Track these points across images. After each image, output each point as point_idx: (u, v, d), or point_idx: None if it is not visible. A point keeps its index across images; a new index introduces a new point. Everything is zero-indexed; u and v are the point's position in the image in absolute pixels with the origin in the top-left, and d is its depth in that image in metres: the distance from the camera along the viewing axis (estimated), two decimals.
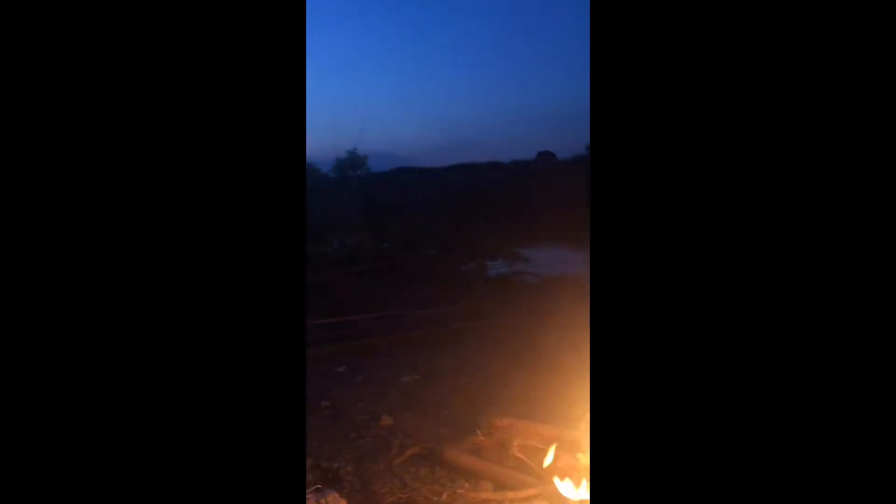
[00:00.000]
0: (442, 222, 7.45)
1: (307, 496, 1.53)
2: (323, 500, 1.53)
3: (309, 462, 2.14)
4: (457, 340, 3.73)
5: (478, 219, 7.77)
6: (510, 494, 1.73)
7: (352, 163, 7.74)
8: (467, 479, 1.90)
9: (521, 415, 2.17)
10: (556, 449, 1.76)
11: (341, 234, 6.20)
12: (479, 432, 2.09)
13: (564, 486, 1.62)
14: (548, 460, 1.76)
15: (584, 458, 1.62)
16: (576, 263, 5.10)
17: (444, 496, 1.80)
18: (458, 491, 1.82)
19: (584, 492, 1.60)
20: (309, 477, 2.04)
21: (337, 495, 1.59)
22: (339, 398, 2.83)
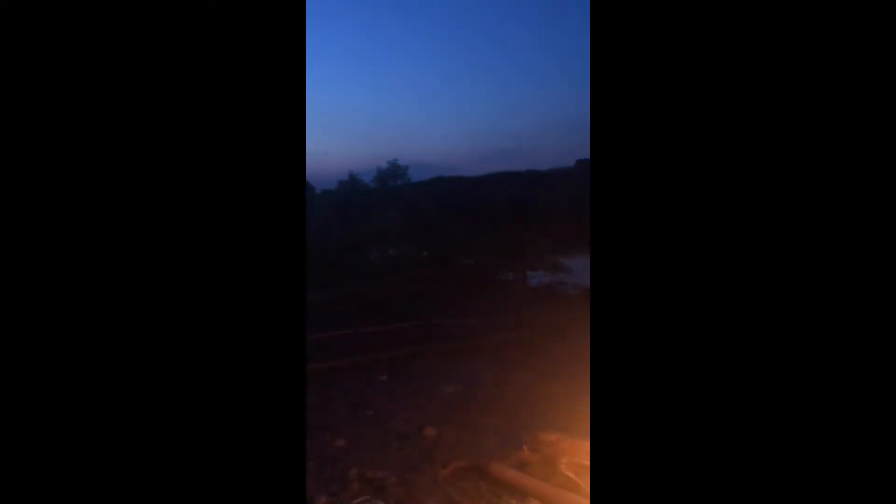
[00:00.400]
0: (481, 231, 7.42)
1: None
2: None
3: (353, 471, 2.16)
4: (498, 351, 3.68)
5: (517, 228, 7.71)
6: None
7: (393, 173, 7.86)
8: (513, 496, 1.86)
9: (565, 429, 2.11)
10: None
11: (383, 244, 6.28)
12: (524, 448, 2.05)
13: None
14: None
15: None
16: None
17: None
18: None
19: None
20: (354, 486, 2.06)
21: None
22: (381, 407, 2.85)
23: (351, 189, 7.62)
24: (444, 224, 7.78)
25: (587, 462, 1.87)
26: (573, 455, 1.93)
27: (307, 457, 2.32)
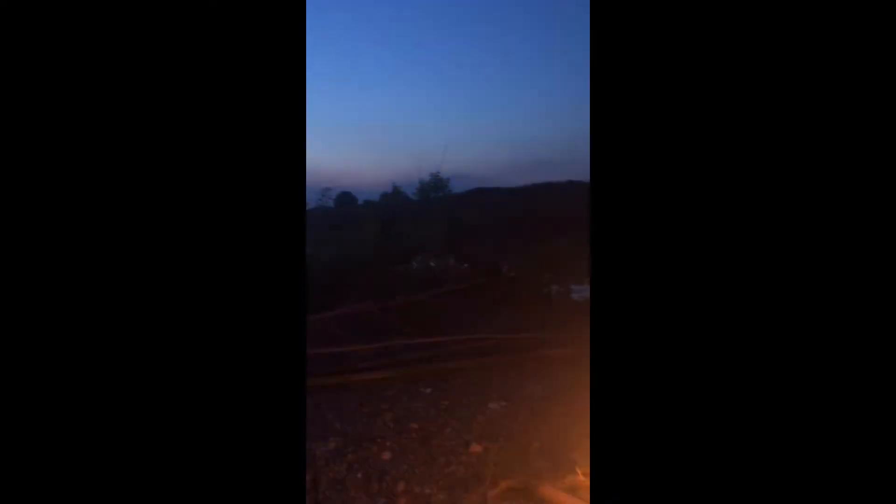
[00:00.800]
0: (523, 244, 7.35)
1: None
2: None
3: (400, 486, 2.15)
4: (544, 367, 3.61)
5: (559, 239, 7.58)
6: None
7: (434, 185, 7.93)
8: None
9: None
10: None
11: (424, 256, 6.32)
12: (578, 470, 1.98)
13: None
14: None
15: None
16: None
17: None
18: None
19: None
20: (401, 501, 2.04)
21: None
22: (426, 420, 2.83)
23: (393, 202, 7.73)
24: (485, 236, 7.75)
25: None
26: None
27: (354, 468, 2.32)
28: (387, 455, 2.42)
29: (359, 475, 2.25)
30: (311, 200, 7.62)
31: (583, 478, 1.95)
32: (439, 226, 6.61)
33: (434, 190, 7.69)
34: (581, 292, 5.93)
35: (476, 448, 2.46)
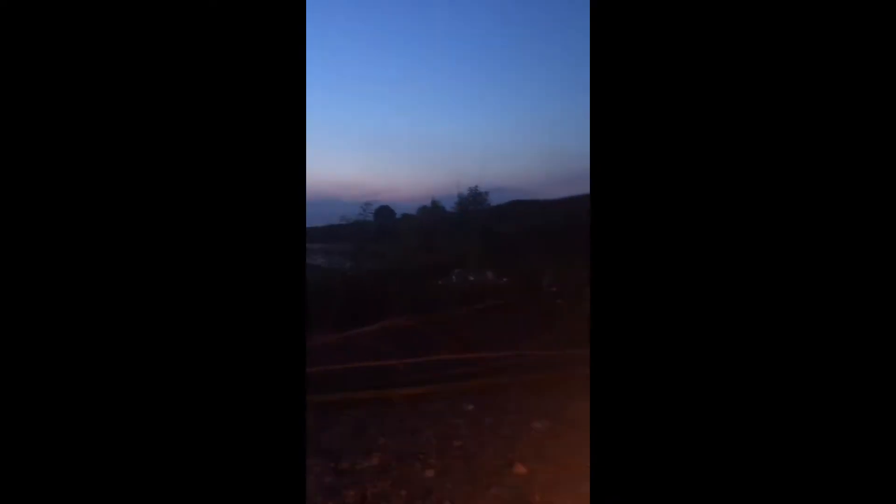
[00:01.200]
0: (562, 256, 7.23)
1: None
2: None
3: None
4: (588, 385, 3.50)
5: None
6: None
7: (473, 199, 7.94)
8: None
9: None
10: None
11: (463, 270, 6.32)
12: None
13: None
14: None
15: None
16: None
17: None
18: None
19: None
20: None
21: None
22: (469, 438, 2.80)
23: (433, 216, 7.79)
24: (524, 249, 7.67)
25: None
26: None
27: (398, 485, 2.32)
28: (430, 473, 2.41)
29: (402, 492, 2.24)
30: (353, 214, 7.78)
31: None
32: (478, 239, 6.60)
33: (473, 204, 7.70)
34: None
35: (521, 469, 2.41)
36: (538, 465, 2.45)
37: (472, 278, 6.25)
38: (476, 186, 7.94)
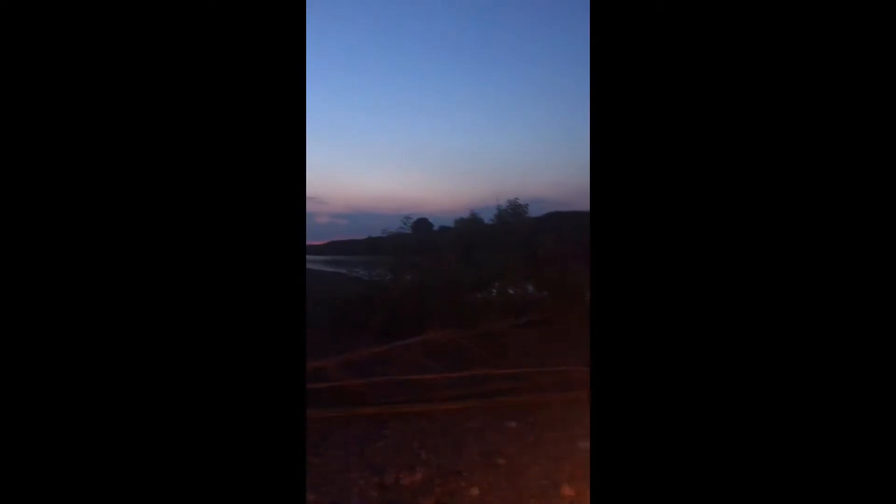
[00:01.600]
0: None
1: None
2: None
3: None
4: None
5: None
6: None
7: (512, 211, 7.89)
8: None
9: None
10: None
11: (503, 283, 6.27)
12: None
13: None
14: None
15: None
16: None
17: None
18: None
19: None
20: None
21: None
22: (513, 456, 2.76)
23: (472, 229, 7.78)
24: (565, 261, 7.54)
25: None
26: None
27: (443, 502, 2.30)
28: (475, 491, 2.38)
29: None
30: (393, 227, 7.89)
31: None
32: (517, 252, 6.55)
33: (512, 216, 7.65)
34: None
35: (568, 491, 2.35)
36: (586, 486, 2.38)
37: (512, 291, 6.19)
38: (516, 198, 7.90)
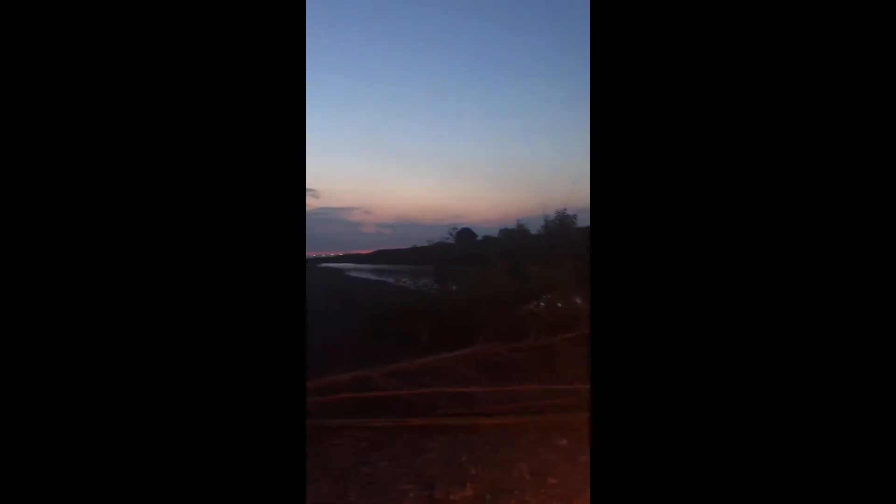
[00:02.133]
0: None
1: None
2: None
3: None
4: None
5: None
6: None
7: (560, 222, 7.77)
8: None
9: None
10: None
11: (551, 296, 6.16)
12: None
13: None
14: None
15: None
16: None
17: None
18: None
19: None
20: None
21: None
22: (564, 476, 2.68)
23: (517, 237, 7.72)
24: None
25: None
26: None
27: None
28: None
29: None
30: (437, 237, 7.95)
31: None
32: (565, 263, 6.42)
33: (560, 226, 7.51)
34: None
35: None
36: None
37: (560, 305, 6.07)
38: (564, 209, 7.76)
